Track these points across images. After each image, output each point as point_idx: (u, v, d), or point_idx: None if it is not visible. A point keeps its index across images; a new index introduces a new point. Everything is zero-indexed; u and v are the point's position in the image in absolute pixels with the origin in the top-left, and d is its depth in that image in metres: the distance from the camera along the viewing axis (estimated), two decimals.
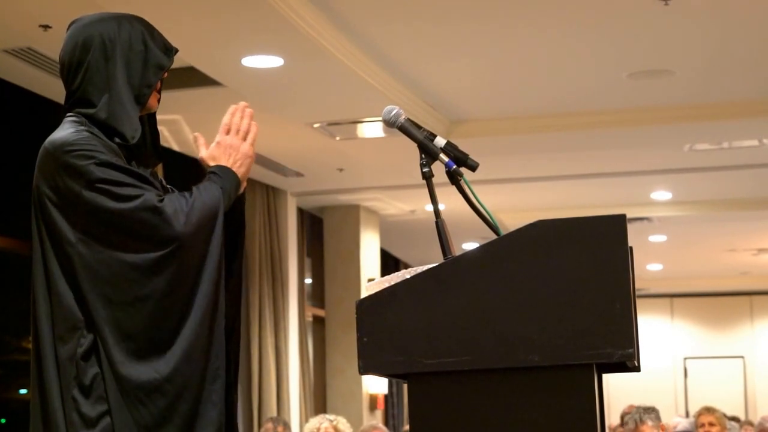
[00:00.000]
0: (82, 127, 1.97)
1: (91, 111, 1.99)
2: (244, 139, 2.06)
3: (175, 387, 1.87)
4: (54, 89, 4.93)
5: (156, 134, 2.13)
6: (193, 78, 4.85)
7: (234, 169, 2.03)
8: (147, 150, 2.08)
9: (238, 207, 2.07)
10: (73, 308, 1.90)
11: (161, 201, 1.90)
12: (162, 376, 1.86)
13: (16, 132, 5.26)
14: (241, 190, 2.06)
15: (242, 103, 2.07)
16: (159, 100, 2.10)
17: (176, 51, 2.09)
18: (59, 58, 2.05)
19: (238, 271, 2.10)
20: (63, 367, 1.89)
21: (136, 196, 1.89)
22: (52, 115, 5.18)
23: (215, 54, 4.64)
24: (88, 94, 2.00)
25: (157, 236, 1.87)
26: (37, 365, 1.93)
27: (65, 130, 1.97)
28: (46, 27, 4.16)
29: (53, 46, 4.32)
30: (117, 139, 1.98)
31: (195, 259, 1.90)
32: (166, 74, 2.07)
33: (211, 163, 2.03)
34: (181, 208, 1.90)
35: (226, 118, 2.05)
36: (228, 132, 2.05)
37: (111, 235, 1.89)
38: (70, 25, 2.06)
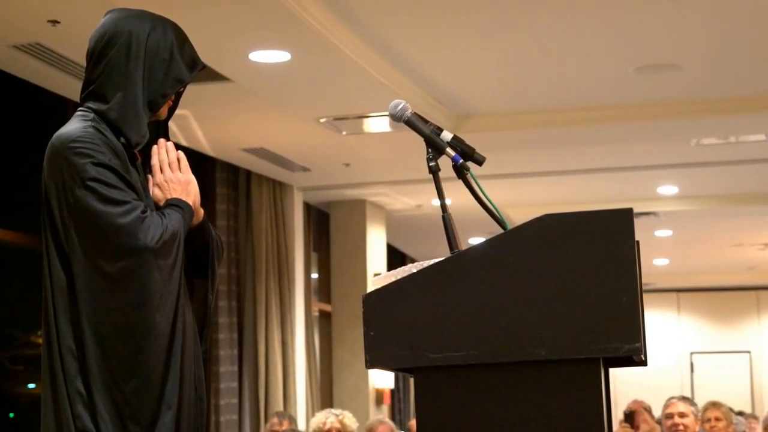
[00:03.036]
0: (90, 123, 1.97)
1: (102, 107, 1.99)
2: (179, 169, 2.06)
3: (130, 410, 1.89)
4: (62, 85, 4.93)
5: (166, 136, 2.14)
6: (201, 73, 4.84)
7: (184, 199, 2.04)
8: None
9: (206, 229, 2.10)
10: (70, 303, 1.92)
11: (143, 213, 1.91)
12: (123, 395, 1.88)
13: (24, 127, 5.26)
14: (200, 215, 2.08)
15: (161, 140, 2.08)
16: (172, 112, 2.11)
17: (203, 66, 2.10)
18: (89, 41, 2.05)
19: (205, 291, 2.11)
20: (66, 361, 1.91)
21: (123, 202, 1.90)
22: (60, 110, 5.18)
23: (222, 49, 4.64)
24: (104, 88, 2.00)
25: (131, 244, 1.88)
26: (47, 358, 1.95)
27: (72, 125, 1.98)
28: (54, 22, 4.15)
29: (61, 41, 4.32)
30: (123, 139, 1.99)
31: (160, 280, 1.91)
32: (183, 89, 2.08)
33: (161, 204, 2.03)
34: (157, 226, 1.92)
35: (153, 160, 2.05)
36: (161, 170, 2.05)
37: (92, 237, 1.91)
38: (107, 13, 2.06)
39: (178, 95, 2.10)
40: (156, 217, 1.94)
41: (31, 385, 5.51)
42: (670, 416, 4.84)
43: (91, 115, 1.99)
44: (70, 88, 4.88)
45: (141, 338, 1.89)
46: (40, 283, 1.99)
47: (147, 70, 2.00)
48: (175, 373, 1.93)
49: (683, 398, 4.95)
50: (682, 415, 4.79)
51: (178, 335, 1.95)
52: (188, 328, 1.99)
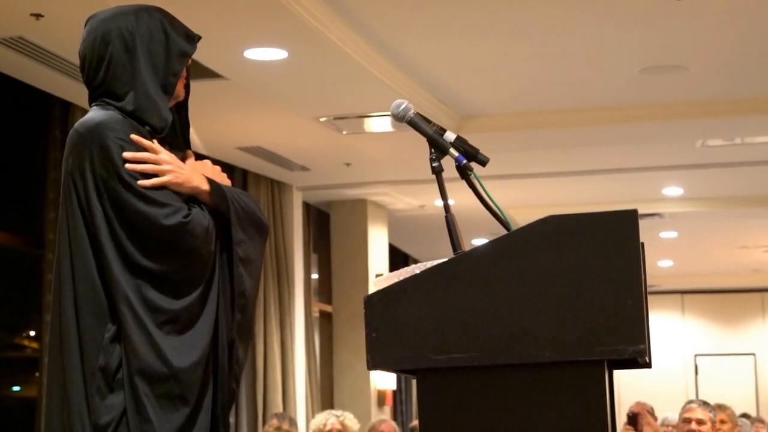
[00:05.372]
0: (113, 112, 1.96)
1: (117, 103, 1.99)
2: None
3: (180, 391, 1.90)
4: (46, 80, 4.85)
5: (186, 123, 2.14)
6: (194, 70, 4.81)
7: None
8: (178, 138, 2.09)
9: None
10: (100, 294, 1.91)
11: (188, 216, 1.91)
12: (174, 375, 1.90)
13: (8, 124, 5.13)
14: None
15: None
16: (188, 89, 2.10)
17: (199, 38, 2.09)
18: (79, 54, 2.05)
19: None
20: (87, 354, 1.90)
21: (165, 204, 1.90)
22: (45, 106, 5.09)
23: (217, 46, 4.59)
24: (113, 87, 1.99)
25: (179, 249, 1.90)
26: (57, 353, 1.93)
27: (97, 113, 1.96)
28: (38, 16, 4.09)
29: (45, 35, 4.26)
30: (147, 127, 1.98)
31: (203, 278, 1.95)
32: (190, 61, 2.07)
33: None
34: (203, 227, 1.93)
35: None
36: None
37: (133, 234, 1.90)
38: (87, 21, 2.06)
39: (187, 71, 2.09)
40: (201, 215, 1.95)
41: (16, 388, 5.45)
42: (687, 421, 4.77)
43: (110, 107, 1.98)
44: (55, 83, 4.83)
45: (185, 328, 1.91)
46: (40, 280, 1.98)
47: (148, 56, 1.99)
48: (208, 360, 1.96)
49: (703, 403, 4.86)
50: (700, 422, 4.72)
51: (221, 324, 1.97)
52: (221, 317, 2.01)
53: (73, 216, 1.93)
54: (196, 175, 1.99)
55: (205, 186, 1.98)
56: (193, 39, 2.06)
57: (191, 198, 1.97)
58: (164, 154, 1.95)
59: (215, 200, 1.99)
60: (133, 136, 1.93)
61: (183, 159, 2.06)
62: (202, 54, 4.64)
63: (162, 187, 1.92)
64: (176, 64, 2.01)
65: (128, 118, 1.95)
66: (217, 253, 1.96)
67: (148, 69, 1.98)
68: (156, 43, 1.99)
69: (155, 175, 1.92)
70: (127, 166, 1.90)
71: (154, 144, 1.95)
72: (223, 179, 2.06)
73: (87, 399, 1.88)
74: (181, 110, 2.11)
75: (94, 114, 1.96)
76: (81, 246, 1.92)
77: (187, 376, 1.89)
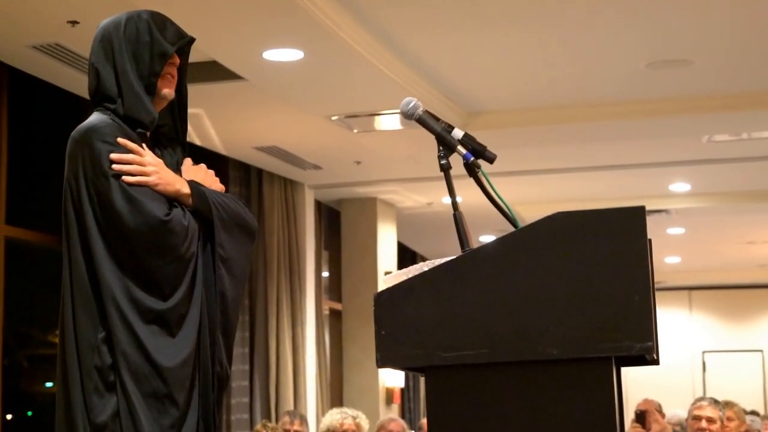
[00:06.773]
0: (108, 116, 2.04)
1: (112, 106, 2.07)
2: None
3: (167, 391, 1.95)
4: (80, 85, 4.92)
5: (184, 127, 2.18)
6: (215, 72, 4.88)
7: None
8: (177, 140, 2.16)
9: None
10: (91, 295, 1.96)
11: (168, 215, 1.96)
12: (161, 377, 1.93)
13: (44, 128, 5.28)
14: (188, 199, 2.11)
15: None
16: (183, 91, 2.15)
17: (192, 40, 2.14)
18: None
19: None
20: (83, 353, 1.95)
21: (147, 203, 1.96)
22: (80, 110, 5.20)
23: (236, 48, 4.64)
24: (106, 90, 2.08)
25: (161, 247, 1.94)
26: (60, 352, 1.99)
27: (91, 118, 2.06)
28: (73, 23, 4.17)
29: (81, 42, 4.33)
30: (139, 129, 2.05)
31: (184, 273, 1.98)
32: (179, 61, 2.12)
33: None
34: (183, 226, 1.97)
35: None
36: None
37: (116, 234, 1.95)
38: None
39: (182, 72, 2.14)
40: (181, 215, 2.00)
41: (49, 384, 5.53)
42: (697, 418, 4.76)
43: (108, 111, 2.07)
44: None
45: (173, 329, 1.95)
46: (60, 280, 2.02)
47: (134, 59, 2.07)
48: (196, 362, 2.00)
49: (713, 401, 4.85)
50: (710, 420, 4.71)
51: (204, 323, 2.01)
52: (204, 315, 2.04)
53: (70, 221, 2.00)
54: (178, 179, 2.06)
55: (186, 189, 2.05)
56: (183, 39, 2.11)
57: (174, 200, 2.03)
58: (149, 157, 2.02)
59: (196, 203, 2.05)
60: (120, 140, 2.00)
61: (180, 162, 2.12)
62: (224, 56, 4.70)
63: (145, 187, 1.97)
64: (157, 65, 2.07)
65: (120, 121, 2.03)
66: (200, 254, 2.01)
67: (134, 71, 2.06)
68: (141, 45, 2.07)
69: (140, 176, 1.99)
70: (114, 166, 1.97)
71: (142, 148, 2.02)
72: (215, 183, 2.12)
73: (85, 398, 1.93)
74: (182, 112, 2.16)
75: (90, 119, 2.05)
76: (76, 249, 1.98)
77: (174, 376, 1.93)
